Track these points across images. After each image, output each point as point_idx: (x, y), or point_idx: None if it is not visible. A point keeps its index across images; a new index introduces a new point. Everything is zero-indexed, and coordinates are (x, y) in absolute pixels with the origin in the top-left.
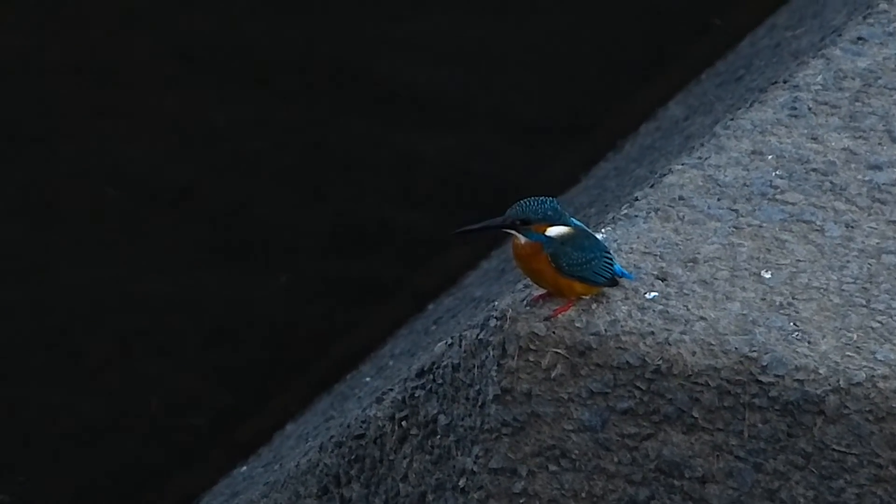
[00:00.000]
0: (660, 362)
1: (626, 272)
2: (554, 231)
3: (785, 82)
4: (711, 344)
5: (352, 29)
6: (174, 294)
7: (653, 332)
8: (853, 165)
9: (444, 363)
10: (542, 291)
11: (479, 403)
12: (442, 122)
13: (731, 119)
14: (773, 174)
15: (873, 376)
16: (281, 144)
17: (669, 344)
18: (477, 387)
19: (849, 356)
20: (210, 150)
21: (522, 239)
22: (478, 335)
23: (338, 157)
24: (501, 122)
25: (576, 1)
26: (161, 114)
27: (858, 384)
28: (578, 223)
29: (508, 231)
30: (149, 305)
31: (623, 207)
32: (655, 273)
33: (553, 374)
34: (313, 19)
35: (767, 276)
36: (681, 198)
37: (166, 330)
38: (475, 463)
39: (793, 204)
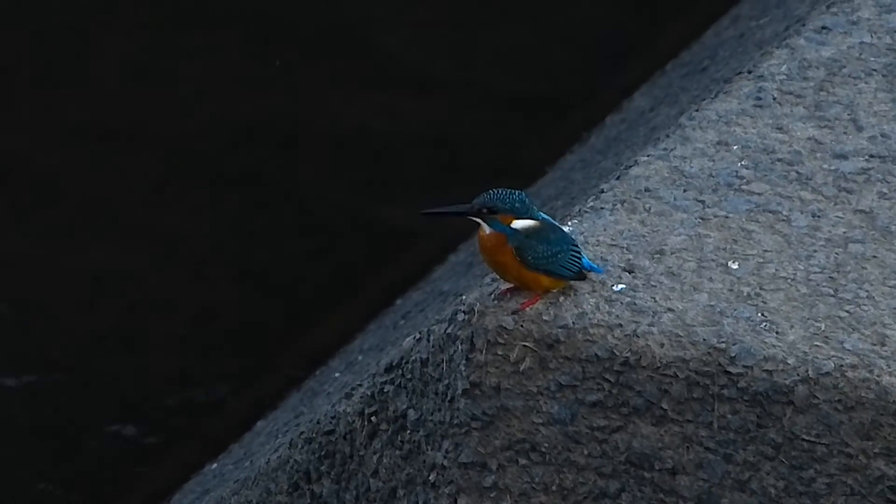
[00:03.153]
0: (628, 354)
1: (595, 266)
2: (519, 224)
3: (749, 72)
4: (679, 335)
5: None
6: (142, 292)
7: (621, 325)
8: (819, 155)
9: (413, 358)
10: (509, 285)
11: (449, 398)
12: (409, 118)
13: (697, 110)
14: (739, 164)
15: (842, 366)
16: (244, 136)
17: (637, 336)
18: (446, 381)
19: (817, 346)
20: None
21: (487, 229)
22: (446, 329)
23: (307, 148)
24: (468, 117)
25: None
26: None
27: (827, 374)
28: (546, 217)
29: (474, 219)
30: (116, 303)
31: (589, 199)
32: (622, 265)
33: (522, 368)
34: None
35: (734, 266)
36: (647, 189)
37: (135, 328)
38: (445, 457)
39: (759, 194)
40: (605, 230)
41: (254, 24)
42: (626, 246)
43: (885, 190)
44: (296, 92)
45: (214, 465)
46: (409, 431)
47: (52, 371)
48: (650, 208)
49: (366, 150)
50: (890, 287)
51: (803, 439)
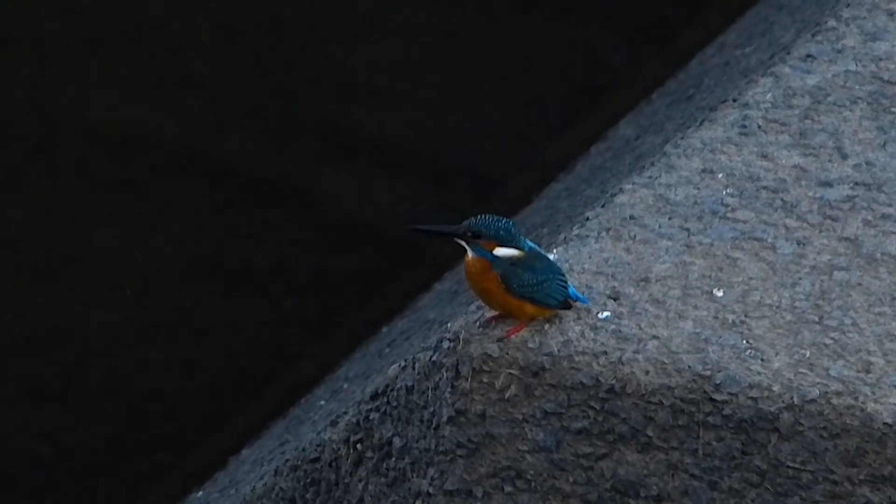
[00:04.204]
0: (613, 382)
1: (581, 296)
2: (502, 252)
3: (735, 101)
4: (665, 363)
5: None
6: (127, 321)
7: (606, 352)
8: (804, 182)
9: (398, 385)
10: (494, 313)
11: (434, 425)
12: (389, 143)
13: (682, 138)
14: (724, 192)
15: (827, 393)
16: (224, 173)
17: (623, 363)
18: (431, 408)
19: (802, 373)
20: (158, 179)
21: (470, 253)
22: (431, 357)
23: (287, 185)
24: (454, 142)
25: (527, 22)
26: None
27: (812, 401)
28: (533, 245)
29: (458, 241)
30: (102, 332)
31: (574, 227)
32: (608, 293)
33: (507, 395)
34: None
35: (719, 294)
36: (632, 217)
37: (120, 357)
38: (430, 485)
39: (744, 222)
40: (590, 258)
41: None
42: (611, 273)
43: (870, 217)
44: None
45: (200, 494)
46: (394, 459)
47: (35, 402)
48: (635, 236)
49: (350, 191)
50: (875, 314)
51: (788, 466)
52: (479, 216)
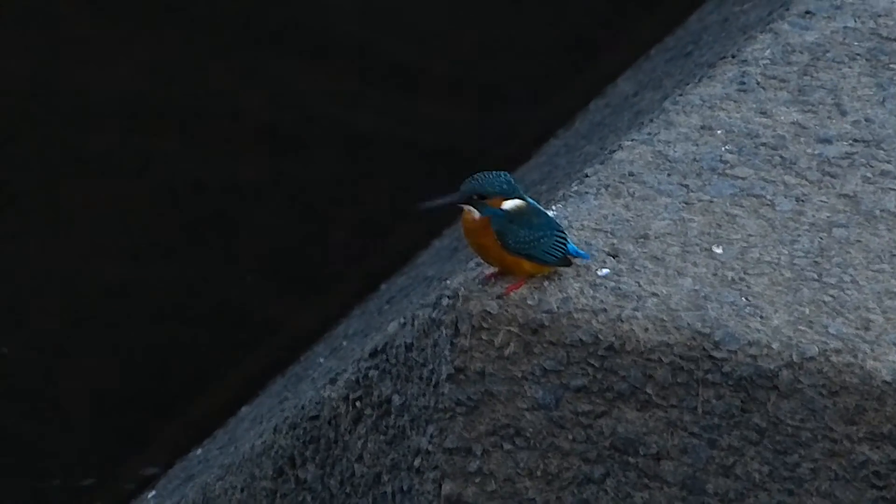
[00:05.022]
0: (612, 339)
1: (582, 252)
2: (509, 204)
3: (733, 57)
4: (664, 320)
5: None
6: (125, 275)
7: (605, 309)
8: (803, 139)
9: (398, 343)
10: (494, 269)
11: (433, 383)
12: (389, 99)
13: (681, 94)
14: (723, 149)
15: (826, 350)
16: (233, 122)
17: (622, 321)
18: (430, 366)
19: (801, 330)
20: (164, 134)
21: (477, 214)
22: (430, 314)
23: (290, 136)
24: (452, 99)
25: None
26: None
27: (811, 358)
28: (531, 201)
29: (467, 208)
30: (98, 286)
31: (573, 184)
32: (607, 250)
33: (506, 353)
34: None
35: (719, 251)
36: (631, 174)
37: (118, 312)
38: (430, 442)
39: (743, 178)
40: (589, 215)
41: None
42: (610, 230)
43: (868, 174)
44: (270, 81)
45: (199, 451)
46: (393, 416)
47: (33, 354)
48: (634, 193)
49: (347, 137)
50: (874, 271)
51: (787, 424)
52: (477, 176)
